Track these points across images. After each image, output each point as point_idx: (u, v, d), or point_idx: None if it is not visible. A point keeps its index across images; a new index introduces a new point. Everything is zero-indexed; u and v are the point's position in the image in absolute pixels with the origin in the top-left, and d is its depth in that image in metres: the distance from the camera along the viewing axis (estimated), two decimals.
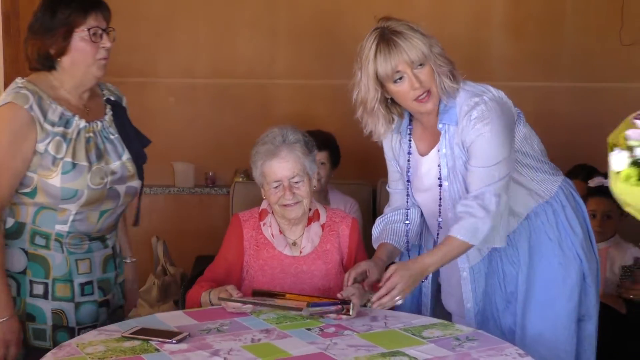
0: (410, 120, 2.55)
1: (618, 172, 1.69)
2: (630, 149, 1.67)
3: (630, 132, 1.73)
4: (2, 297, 2.25)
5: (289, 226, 2.62)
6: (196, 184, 4.36)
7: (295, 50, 4.38)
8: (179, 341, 2.09)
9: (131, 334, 2.15)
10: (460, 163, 2.40)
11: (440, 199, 2.48)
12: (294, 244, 2.63)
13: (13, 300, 2.29)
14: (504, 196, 2.32)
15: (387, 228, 2.61)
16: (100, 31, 2.33)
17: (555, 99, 4.38)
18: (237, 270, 2.65)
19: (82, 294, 2.41)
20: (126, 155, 2.46)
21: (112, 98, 2.54)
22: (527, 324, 2.48)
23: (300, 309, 2.24)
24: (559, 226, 2.52)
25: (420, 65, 2.35)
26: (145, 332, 2.16)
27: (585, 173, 3.86)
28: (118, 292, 2.60)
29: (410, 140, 2.53)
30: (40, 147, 2.27)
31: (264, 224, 2.64)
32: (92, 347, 2.04)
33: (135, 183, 2.49)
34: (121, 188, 2.43)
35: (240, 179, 4.07)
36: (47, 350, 2.25)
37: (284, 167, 2.54)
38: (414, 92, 2.35)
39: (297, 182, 2.53)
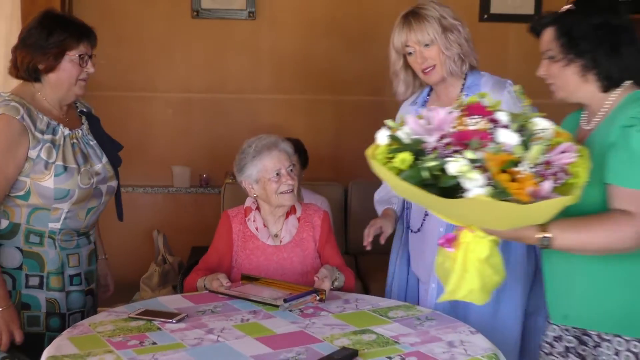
0: (429, 94, 2.62)
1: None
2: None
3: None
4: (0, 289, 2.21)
5: (273, 220, 2.60)
6: (192, 184, 4.33)
7: (276, 70, 4.37)
8: (178, 321, 2.11)
9: (137, 315, 2.15)
10: None
11: None
12: (275, 235, 2.63)
13: (9, 293, 2.25)
14: None
15: (389, 195, 2.66)
16: (87, 57, 2.31)
17: None
18: (227, 259, 2.64)
19: (72, 284, 2.40)
20: (105, 159, 2.44)
21: (84, 110, 2.52)
22: (482, 309, 2.34)
23: (277, 306, 2.24)
24: None
25: (426, 45, 2.43)
26: (149, 313, 2.17)
27: None
28: (96, 283, 2.60)
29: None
30: (33, 153, 2.24)
31: (249, 219, 2.64)
32: (102, 326, 2.02)
33: (113, 183, 2.48)
34: (103, 187, 2.41)
35: (230, 181, 4.03)
36: (41, 334, 2.31)
37: (283, 158, 2.57)
38: (420, 65, 2.47)
39: (292, 170, 2.57)
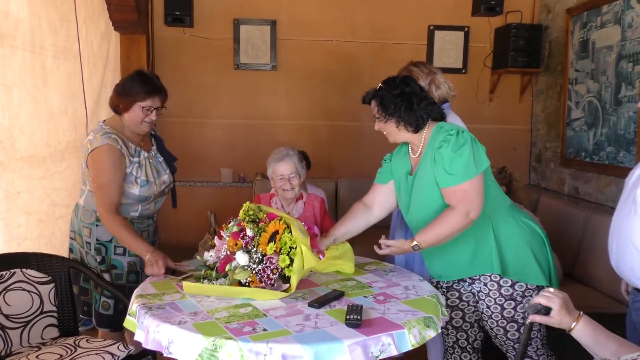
0: None
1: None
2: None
3: (216, 241, 2.03)
4: (142, 245, 2.18)
5: (286, 203, 2.59)
6: (233, 180, 4.31)
7: (290, 104, 4.35)
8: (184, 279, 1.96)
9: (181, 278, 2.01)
10: None
11: None
12: (288, 213, 2.60)
13: (104, 258, 2.26)
14: None
15: None
16: (152, 109, 2.25)
17: None
18: None
19: None
20: (168, 170, 2.42)
21: (153, 134, 2.47)
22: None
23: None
24: None
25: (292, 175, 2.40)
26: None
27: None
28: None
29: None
30: (128, 170, 2.24)
31: (273, 202, 2.62)
32: (218, 313, 1.66)
33: (171, 185, 2.46)
34: (166, 189, 2.41)
35: (259, 178, 4.02)
36: (123, 285, 2.30)
37: (286, 168, 2.52)
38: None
39: (293, 177, 2.53)
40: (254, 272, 1.83)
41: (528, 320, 1.45)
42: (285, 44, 4.25)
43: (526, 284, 1.96)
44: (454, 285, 2.09)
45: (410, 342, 1.56)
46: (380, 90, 2.01)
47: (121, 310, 2.26)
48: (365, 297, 1.84)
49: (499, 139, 4.31)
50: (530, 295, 1.97)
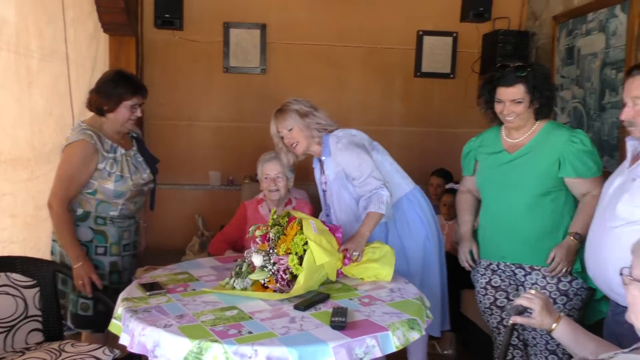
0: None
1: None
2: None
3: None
4: (76, 249, 2.23)
5: (275, 207, 2.60)
6: (222, 183, 4.29)
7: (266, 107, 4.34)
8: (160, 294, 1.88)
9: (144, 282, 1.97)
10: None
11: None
12: None
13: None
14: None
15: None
16: (137, 106, 2.33)
17: (425, 137, 4.43)
18: (243, 235, 2.62)
19: (125, 251, 2.42)
20: (148, 170, 2.43)
21: (135, 135, 2.50)
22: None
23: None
24: (416, 209, 2.47)
25: (290, 129, 2.36)
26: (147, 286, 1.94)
27: (443, 172, 3.89)
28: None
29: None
30: (100, 165, 2.26)
31: (261, 206, 2.64)
32: (204, 315, 1.67)
33: (152, 185, 2.48)
34: (145, 188, 2.43)
35: (247, 182, 4.01)
36: (105, 286, 2.31)
37: (272, 168, 2.56)
38: (290, 143, 2.42)
39: (278, 178, 2.55)
40: (271, 273, 1.88)
41: (510, 322, 1.48)
42: (275, 47, 4.26)
43: (582, 282, 2.06)
44: (503, 268, 2.19)
45: (394, 344, 1.58)
46: (529, 74, 2.07)
47: (101, 311, 2.27)
48: (351, 299, 1.85)
49: None
50: (582, 295, 2.08)
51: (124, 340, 1.68)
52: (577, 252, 2.04)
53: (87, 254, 2.30)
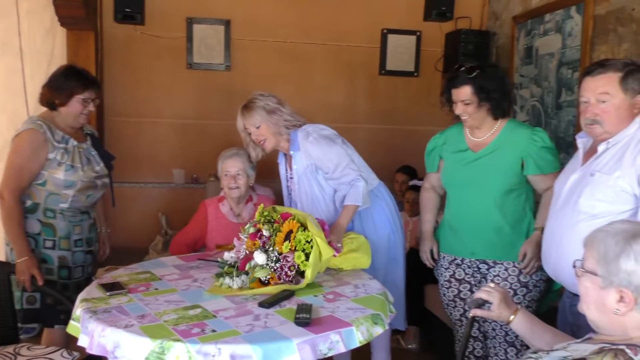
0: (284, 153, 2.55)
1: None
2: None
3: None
4: (22, 244, 2.19)
5: (235, 204, 2.59)
6: (186, 181, 4.23)
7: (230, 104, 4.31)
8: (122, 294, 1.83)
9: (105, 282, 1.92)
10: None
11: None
12: (239, 215, 2.60)
13: (32, 251, 2.22)
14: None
15: None
16: (90, 100, 2.31)
17: (390, 135, 4.47)
18: (202, 236, 2.60)
19: (76, 246, 2.37)
20: (102, 164, 2.41)
21: (89, 132, 2.48)
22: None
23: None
24: (382, 204, 2.49)
25: (257, 127, 2.34)
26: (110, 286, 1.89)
27: (407, 169, 3.95)
28: (97, 247, 2.55)
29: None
30: (51, 155, 2.23)
31: (222, 205, 2.61)
32: (166, 315, 1.64)
33: (107, 180, 2.44)
34: (99, 182, 2.39)
35: (211, 180, 3.97)
36: (54, 281, 2.27)
37: (233, 165, 2.54)
38: (257, 140, 2.40)
39: (239, 176, 2.53)
40: (273, 270, 1.89)
41: (470, 314, 1.51)
42: (240, 44, 4.22)
43: (542, 274, 2.12)
44: (468, 263, 2.25)
45: (358, 339, 1.59)
46: (478, 75, 2.10)
47: (49, 305, 2.24)
48: (316, 296, 1.86)
49: None
50: (541, 287, 2.15)
51: (82, 341, 1.64)
52: None
53: (36, 247, 2.26)
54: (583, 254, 1.20)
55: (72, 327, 1.73)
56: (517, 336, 2.11)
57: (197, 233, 2.60)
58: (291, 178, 2.46)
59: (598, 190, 1.69)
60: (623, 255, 1.10)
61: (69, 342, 2.19)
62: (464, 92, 2.12)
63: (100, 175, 2.38)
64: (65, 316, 2.28)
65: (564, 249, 1.75)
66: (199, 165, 4.21)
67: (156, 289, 1.92)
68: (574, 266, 1.20)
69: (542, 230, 2.05)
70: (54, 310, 2.25)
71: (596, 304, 1.15)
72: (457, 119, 2.27)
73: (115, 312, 1.68)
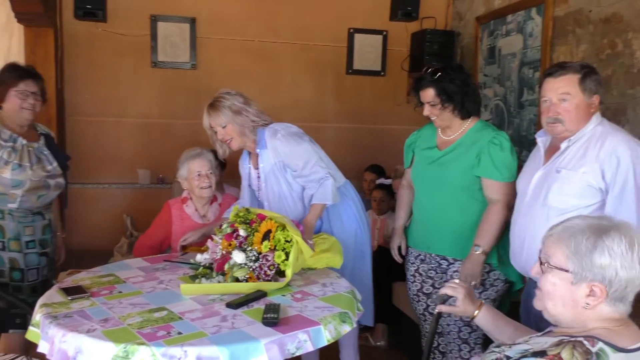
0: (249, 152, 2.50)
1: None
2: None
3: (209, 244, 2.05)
4: None
5: (201, 205, 2.55)
6: (151, 182, 4.16)
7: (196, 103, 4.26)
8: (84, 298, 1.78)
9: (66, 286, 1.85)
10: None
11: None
12: (204, 215, 2.57)
13: None
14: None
15: None
16: (28, 93, 2.25)
17: (357, 134, 4.50)
18: (168, 237, 2.56)
19: (27, 248, 2.31)
20: (55, 163, 2.35)
21: (44, 132, 2.42)
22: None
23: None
24: (349, 202, 2.49)
25: (223, 127, 2.29)
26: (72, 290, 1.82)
27: (376, 168, 3.98)
28: (52, 249, 2.47)
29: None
30: None
31: (186, 206, 2.57)
32: (130, 318, 1.60)
33: (61, 180, 2.38)
34: (52, 182, 2.33)
35: (178, 180, 3.91)
36: (5, 283, 2.22)
37: (203, 164, 2.52)
38: (223, 139, 2.34)
39: (210, 174, 2.51)
40: (251, 269, 1.87)
41: (436, 310, 1.53)
42: (206, 42, 4.17)
43: (499, 274, 2.15)
44: (430, 258, 2.28)
45: (326, 337, 1.59)
46: (440, 78, 2.11)
47: (2, 309, 2.19)
48: (284, 295, 1.85)
49: None
50: (498, 286, 2.17)
51: (42, 348, 1.59)
52: (483, 262, 2.11)
53: None
54: (543, 251, 1.21)
55: (32, 333, 1.67)
56: (470, 333, 2.17)
57: (162, 235, 2.55)
58: (258, 177, 2.44)
59: (566, 186, 1.77)
60: (597, 251, 1.11)
61: (29, 349, 2.11)
62: (428, 94, 2.16)
63: (52, 175, 2.32)
64: (21, 320, 2.21)
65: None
66: (165, 165, 4.14)
67: (120, 291, 1.87)
68: (542, 263, 1.19)
69: (475, 247, 2.08)
70: (8, 314, 2.18)
71: (564, 299, 1.15)
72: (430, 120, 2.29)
73: (77, 317, 1.63)
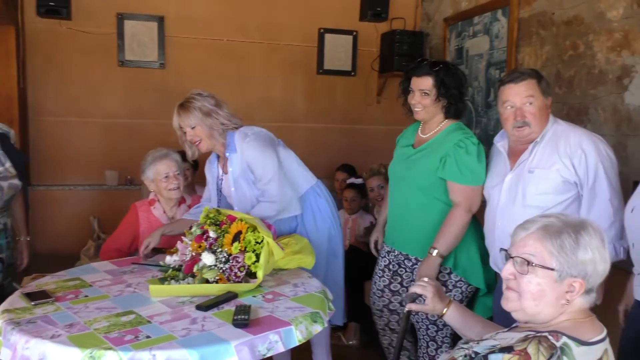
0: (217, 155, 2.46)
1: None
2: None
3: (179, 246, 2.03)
4: None
5: (169, 207, 2.51)
6: (119, 183, 4.09)
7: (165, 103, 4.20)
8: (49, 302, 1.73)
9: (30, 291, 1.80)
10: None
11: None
12: (172, 217, 2.53)
13: None
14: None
15: None
16: None
17: (328, 133, 4.51)
18: (135, 239, 2.50)
19: None
20: (8, 163, 2.26)
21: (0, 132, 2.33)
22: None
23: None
24: (322, 201, 2.49)
25: (192, 127, 2.25)
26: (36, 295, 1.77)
27: (347, 167, 4.00)
28: (10, 254, 2.37)
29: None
30: None
31: (154, 208, 2.52)
32: (97, 323, 1.57)
33: (15, 181, 2.29)
34: (4, 183, 2.24)
35: (144, 182, 3.84)
36: None
37: (170, 165, 2.48)
38: (192, 140, 2.29)
39: (178, 175, 2.48)
40: (221, 271, 1.86)
41: (405, 309, 1.54)
42: (174, 41, 4.12)
43: (461, 278, 2.16)
44: (396, 255, 2.30)
45: (297, 338, 1.58)
46: (441, 70, 2.10)
47: None
48: (255, 296, 1.83)
49: (386, 139, 4.47)
50: (462, 288, 2.18)
51: (4, 355, 1.54)
52: (439, 265, 2.12)
53: None
54: (519, 251, 1.18)
55: None
56: (437, 331, 2.19)
57: (129, 237, 2.49)
58: (228, 182, 2.37)
59: (542, 185, 1.85)
60: (581, 247, 1.13)
61: None
62: (425, 82, 2.13)
63: (4, 177, 2.23)
64: None
65: None
66: (133, 166, 4.02)
67: (86, 296, 1.83)
68: (528, 263, 1.16)
69: (432, 249, 2.08)
70: None
71: (547, 298, 1.15)
72: (410, 114, 2.26)
73: (41, 323, 1.58)
